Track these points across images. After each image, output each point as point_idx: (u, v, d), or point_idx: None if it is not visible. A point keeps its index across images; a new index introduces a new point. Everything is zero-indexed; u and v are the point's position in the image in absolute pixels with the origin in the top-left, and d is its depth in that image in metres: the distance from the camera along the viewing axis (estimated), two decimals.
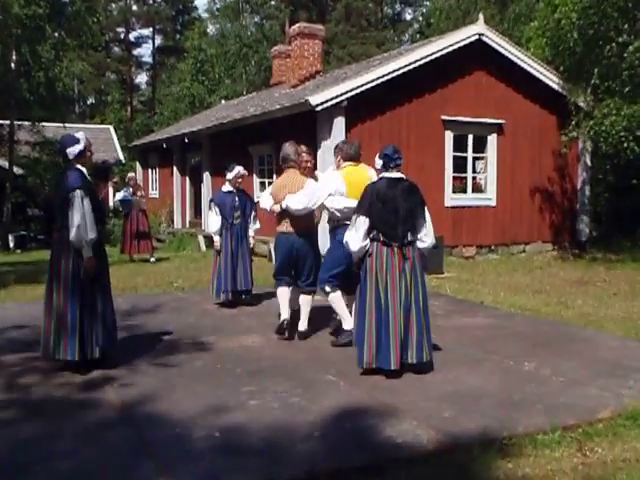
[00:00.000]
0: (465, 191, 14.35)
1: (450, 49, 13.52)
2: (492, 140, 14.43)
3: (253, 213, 8.41)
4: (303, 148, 6.69)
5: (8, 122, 20.15)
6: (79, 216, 5.09)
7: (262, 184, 15.38)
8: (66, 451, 3.71)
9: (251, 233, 8.42)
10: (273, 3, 44.69)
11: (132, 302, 8.50)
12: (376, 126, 13.04)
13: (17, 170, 20.67)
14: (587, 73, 13.34)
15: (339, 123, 12.56)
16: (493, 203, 14.53)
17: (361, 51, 39.68)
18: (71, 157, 5.30)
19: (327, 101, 12.30)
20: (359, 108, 12.65)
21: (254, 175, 15.70)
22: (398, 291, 5.07)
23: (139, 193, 13.90)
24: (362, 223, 5.13)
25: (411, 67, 13.18)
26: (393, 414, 4.27)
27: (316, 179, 6.49)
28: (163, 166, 22.79)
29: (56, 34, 19.98)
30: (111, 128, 32.02)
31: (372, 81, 12.78)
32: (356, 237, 5.15)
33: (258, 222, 8.52)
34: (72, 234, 5.08)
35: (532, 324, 7.26)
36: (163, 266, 13.07)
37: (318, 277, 6.31)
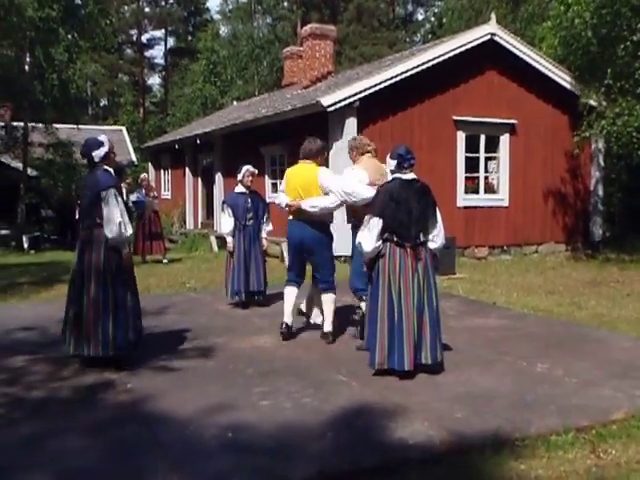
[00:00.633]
0: (477, 191, 14.30)
1: (462, 49, 13.49)
2: (504, 140, 14.38)
3: (266, 215, 8.41)
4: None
5: (22, 124, 20.30)
6: (118, 213, 5.23)
7: (274, 185, 15.40)
8: (78, 449, 3.73)
9: (264, 234, 8.43)
10: (285, 4, 44.76)
11: (144, 303, 8.46)
12: (388, 127, 13.03)
13: (31, 172, 20.81)
14: (600, 72, 13.26)
15: (351, 124, 12.56)
16: (505, 203, 14.48)
17: (373, 52, 39.67)
18: (97, 160, 5.41)
19: (339, 102, 12.31)
20: (371, 109, 12.65)
21: (266, 176, 15.72)
22: (411, 292, 5.07)
23: (151, 194, 13.95)
24: (376, 224, 5.13)
25: (423, 67, 13.17)
26: (405, 415, 4.26)
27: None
28: (175, 167, 22.88)
29: (69, 36, 20.07)
30: (124, 130, 32.17)
31: (384, 82, 12.78)
32: (370, 238, 5.14)
33: (271, 224, 8.52)
34: (113, 231, 5.20)
35: (545, 325, 7.23)
36: (175, 267, 13.12)
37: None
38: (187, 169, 21.38)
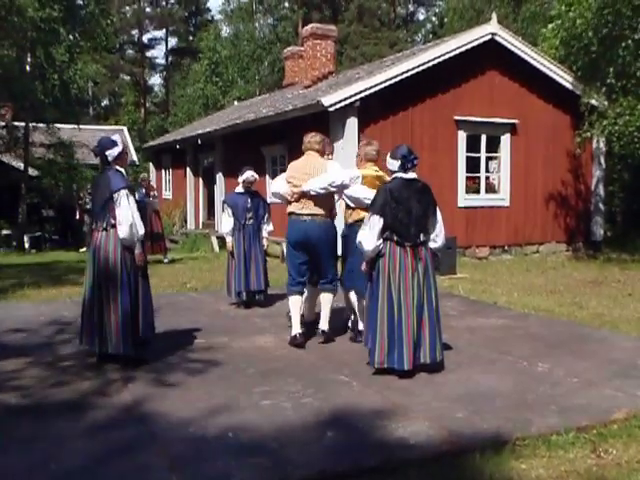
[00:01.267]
0: (478, 191, 14.30)
1: (463, 49, 13.49)
2: (505, 140, 14.37)
3: (266, 215, 8.41)
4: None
5: (23, 124, 20.32)
6: (130, 214, 5.29)
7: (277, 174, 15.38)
8: (79, 450, 3.73)
9: (264, 234, 8.43)
10: (286, 4, 44.77)
11: None
12: (389, 126, 13.03)
13: (32, 171, 20.84)
14: (601, 72, 13.26)
15: (352, 124, 12.56)
16: (506, 203, 14.48)
17: (374, 51, 39.63)
18: (110, 159, 5.45)
19: (340, 102, 12.31)
20: (372, 108, 12.65)
21: (267, 176, 15.72)
22: (411, 291, 5.07)
23: (152, 194, 13.95)
24: (376, 222, 5.12)
25: (424, 67, 13.17)
26: (406, 415, 4.26)
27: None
28: (176, 167, 22.89)
29: (70, 36, 20.13)
30: (125, 130, 32.19)
31: (385, 81, 12.77)
32: (370, 236, 5.14)
33: (271, 224, 8.51)
34: (125, 231, 5.26)
35: (546, 325, 7.22)
36: (176, 267, 13.13)
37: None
38: (188, 169, 21.39)
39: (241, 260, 8.18)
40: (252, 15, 42.08)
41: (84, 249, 19.22)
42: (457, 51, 13.44)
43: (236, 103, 28.41)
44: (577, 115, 14.13)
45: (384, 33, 44.62)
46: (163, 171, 24.60)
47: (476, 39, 13.66)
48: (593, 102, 13.75)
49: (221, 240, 14.97)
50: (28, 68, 19.38)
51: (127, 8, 50.80)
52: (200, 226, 20.74)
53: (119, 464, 3.54)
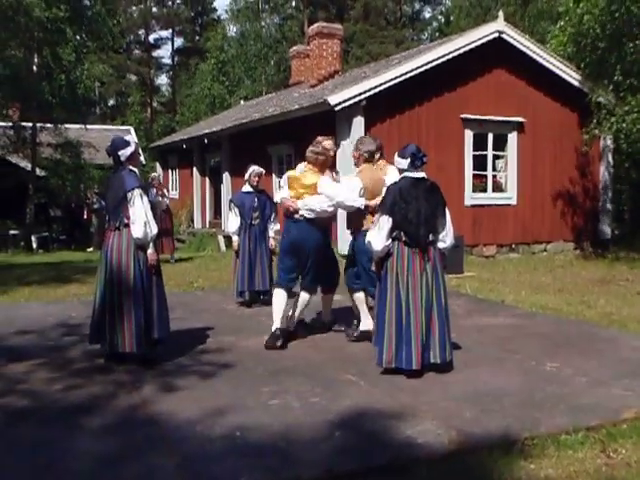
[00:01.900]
0: (485, 190, 14.27)
1: (470, 47, 13.45)
2: (512, 138, 14.33)
3: (273, 214, 8.40)
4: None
5: (30, 124, 20.38)
6: (144, 213, 5.31)
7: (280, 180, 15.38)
8: (87, 449, 3.74)
9: (271, 234, 8.42)
10: (293, 4, 44.78)
11: None
12: (395, 125, 13.01)
13: (40, 171, 20.90)
14: (609, 70, 13.19)
15: (358, 123, 12.54)
16: (514, 202, 14.43)
17: (380, 50, 39.59)
18: (123, 159, 5.47)
19: (346, 101, 12.30)
20: (378, 107, 12.63)
21: (273, 175, 15.73)
22: (419, 291, 5.05)
23: (160, 193, 13.96)
24: (385, 222, 5.10)
25: (430, 66, 13.14)
26: (414, 414, 4.25)
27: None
28: (183, 167, 22.93)
29: (77, 37, 20.19)
30: (132, 129, 32.26)
31: (391, 80, 12.76)
32: (379, 237, 5.12)
33: (279, 223, 8.48)
34: (139, 231, 5.28)
35: (554, 323, 7.19)
36: (183, 266, 13.14)
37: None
38: (195, 169, 21.42)
39: (246, 260, 8.18)
40: (258, 14, 42.11)
41: (91, 249, 19.31)
42: (464, 49, 13.40)
43: (242, 102, 28.43)
44: (585, 113, 14.08)
45: (390, 32, 44.57)
46: (170, 171, 24.65)
47: (483, 37, 13.62)
48: (601, 100, 13.68)
49: (228, 239, 14.97)
50: (35, 68, 19.44)
51: (133, 8, 50.87)
52: (207, 225, 20.77)
53: (127, 466, 3.54)
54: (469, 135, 13.85)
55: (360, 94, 12.39)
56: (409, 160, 5.20)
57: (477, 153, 14.01)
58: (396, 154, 5.34)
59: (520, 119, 14.20)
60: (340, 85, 14.26)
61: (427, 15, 50.66)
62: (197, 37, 52.62)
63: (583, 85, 14.26)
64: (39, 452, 3.73)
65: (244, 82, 39.13)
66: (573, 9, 13.26)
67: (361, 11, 44.77)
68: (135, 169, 5.53)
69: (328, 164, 6.31)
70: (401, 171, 5.33)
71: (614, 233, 16.05)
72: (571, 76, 14.42)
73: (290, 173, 6.47)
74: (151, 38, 52.84)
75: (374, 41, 42.85)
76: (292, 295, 6.46)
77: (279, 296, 6.32)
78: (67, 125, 21.61)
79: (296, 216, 6.13)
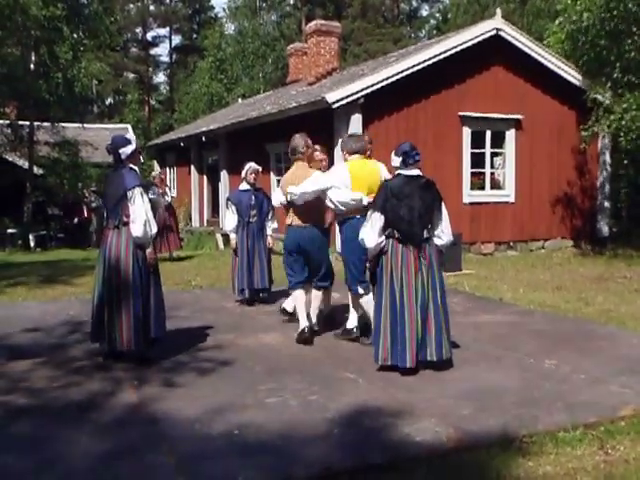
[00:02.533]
0: (483, 187, 14.26)
1: (467, 44, 13.43)
2: (510, 136, 14.32)
3: (271, 212, 8.39)
4: (317, 147, 6.72)
5: (28, 122, 20.34)
6: (144, 212, 5.30)
7: (279, 182, 15.36)
8: (87, 450, 3.73)
9: (269, 232, 8.41)
10: (291, 1, 44.74)
11: None
12: (393, 123, 13.00)
13: (37, 170, 20.86)
14: (608, 67, 13.19)
15: (356, 120, 12.53)
16: (512, 199, 14.43)
17: (378, 48, 39.57)
18: (124, 157, 5.46)
19: (344, 98, 12.28)
20: (376, 105, 12.62)
21: (271, 173, 15.72)
22: (414, 288, 5.05)
23: (160, 191, 13.94)
24: (377, 219, 5.12)
25: (428, 63, 13.12)
26: (412, 412, 4.25)
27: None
28: (181, 165, 22.91)
29: (74, 35, 20.13)
30: (129, 128, 32.21)
31: (389, 78, 12.74)
32: (371, 233, 5.14)
33: (276, 221, 8.49)
34: (139, 229, 5.27)
35: (552, 321, 7.20)
36: (181, 264, 13.14)
37: (346, 281, 6.17)
38: (192, 167, 21.41)
39: (244, 258, 8.18)
40: (256, 12, 42.08)
41: (89, 247, 19.31)
42: (461, 47, 13.38)
43: (240, 100, 28.40)
44: (583, 111, 14.07)
45: (388, 29, 44.55)
46: (168, 169, 24.62)
47: (480, 34, 13.60)
48: (599, 97, 13.68)
49: (226, 237, 14.98)
50: (32, 67, 19.40)
51: (131, 6, 50.84)
52: (205, 223, 20.76)
53: (126, 464, 3.54)
54: (467, 132, 13.84)
55: (358, 92, 12.37)
56: (401, 159, 5.22)
57: (475, 150, 14.00)
58: (392, 152, 5.35)
59: (518, 116, 14.19)
60: (338, 83, 14.25)
61: (425, 13, 50.70)
62: (195, 35, 52.56)
63: (581, 83, 14.25)
64: (40, 450, 3.74)
65: (242, 80, 39.10)
66: (571, 6, 13.24)
67: (359, 9, 44.75)
68: (135, 167, 5.52)
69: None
70: (395, 169, 5.34)
71: (612, 231, 16.04)
72: (569, 74, 14.41)
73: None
74: (149, 36, 52.87)
75: (372, 39, 42.83)
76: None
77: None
78: (64, 124, 21.57)
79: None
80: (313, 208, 6.25)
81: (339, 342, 6.23)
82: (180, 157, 22.62)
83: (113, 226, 5.39)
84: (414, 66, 12.99)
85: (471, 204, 13.89)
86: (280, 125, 14.75)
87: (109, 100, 52.57)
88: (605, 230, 15.54)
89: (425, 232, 5.17)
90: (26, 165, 20.39)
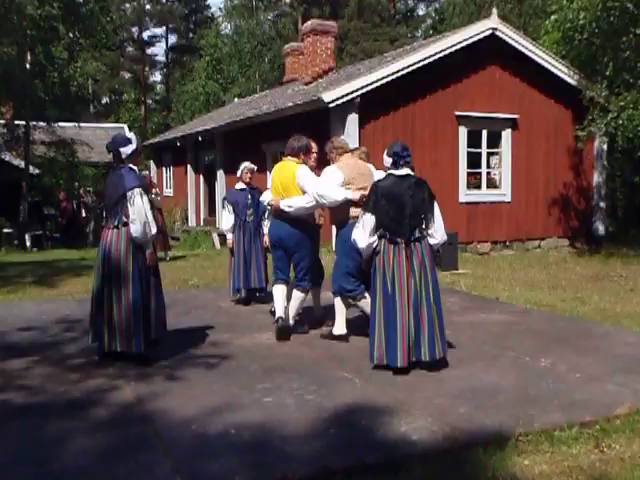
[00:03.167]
0: (479, 187, 14.29)
1: (464, 44, 13.46)
2: (506, 135, 14.35)
3: (267, 211, 8.37)
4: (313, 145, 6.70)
5: (24, 122, 20.30)
6: (143, 212, 5.28)
7: None
8: (83, 449, 3.73)
9: (265, 231, 8.39)
10: (287, 1, 44.69)
11: None
12: (389, 122, 13.02)
13: (33, 169, 20.83)
14: (603, 66, 13.21)
15: (352, 120, 12.54)
16: (508, 199, 14.46)
17: (374, 47, 39.53)
18: (124, 157, 5.43)
19: (340, 98, 12.30)
20: (372, 105, 12.63)
21: (268, 172, 15.70)
22: (406, 288, 5.05)
23: (154, 191, 13.92)
24: (368, 220, 5.15)
25: (424, 63, 13.15)
26: (408, 411, 4.26)
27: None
28: (177, 164, 22.89)
29: (70, 34, 20.10)
30: (125, 127, 32.18)
31: (385, 77, 12.76)
32: (363, 235, 5.18)
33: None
34: (138, 230, 5.25)
35: (548, 320, 7.21)
36: (178, 264, 13.12)
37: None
38: (189, 166, 21.39)
39: (241, 257, 8.18)
40: (252, 12, 42.05)
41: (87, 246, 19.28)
42: (458, 46, 13.41)
43: (236, 100, 28.38)
44: (579, 110, 14.10)
45: (384, 29, 44.50)
46: (164, 168, 24.60)
47: (477, 34, 13.63)
48: (595, 97, 13.70)
49: (222, 237, 14.96)
50: (28, 66, 19.34)
51: (127, 5, 50.70)
52: (201, 223, 20.75)
53: (122, 463, 3.54)
54: (463, 132, 13.86)
55: (354, 91, 12.38)
56: (392, 159, 5.24)
57: (471, 150, 14.02)
58: (385, 152, 5.36)
59: (514, 116, 14.22)
60: (334, 82, 14.25)
61: (421, 12, 50.65)
62: (191, 34, 52.51)
63: (577, 82, 14.27)
64: (36, 448, 3.73)
65: (238, 79, 39.09)
66: (567, 5, 13.26)
67: (355, 8, 44.66)
68: (135, 167, 5.50)
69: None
70: (386, 169, 5.35)
71: (608, 230, 16.09)
72: (565, 73, 14.45)
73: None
74: (145, 35, 52.79)
75: (368, 38, 42.77)
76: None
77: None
78: (60, 123, 21.53)
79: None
80: None
81: (335, 342, 6.23)
82: (176, 157, 22.60)
83: (113, 226, 5.36)
84: (410, 66, 13.01)
85: (467, 203, 13.91)
86: (276, 125, 14.76)
87: (105, 99, 52.48)
88: (601, 229, 15.58)
89: (417, 232, 5.16)
90: (22, 165, 20.34)
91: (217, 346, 6.08)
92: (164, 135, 26.32)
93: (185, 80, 45.42)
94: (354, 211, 5.82)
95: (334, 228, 6.44)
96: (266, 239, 8.36)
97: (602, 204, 15.58)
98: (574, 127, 14.30)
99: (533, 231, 14.75)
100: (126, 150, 5.41)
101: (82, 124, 24.07)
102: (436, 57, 13.24)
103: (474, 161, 14.13)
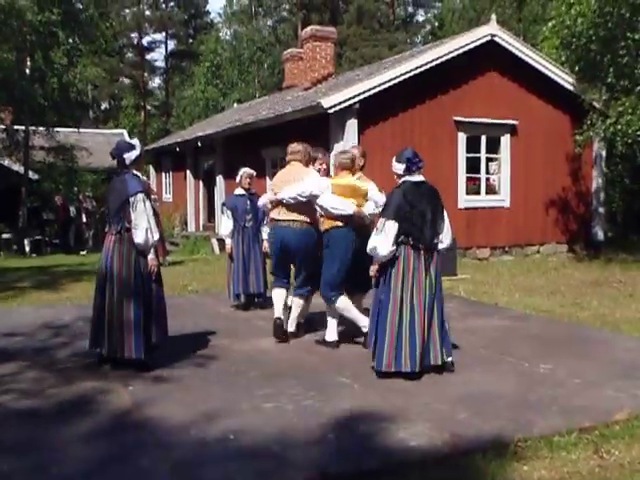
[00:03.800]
0: (479, 192, 14.30)
1: (462, 50, 13.49)
2: (505, 141, 14.37)
3: (266, 217, 8.38)
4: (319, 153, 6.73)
5: (23, 127, 20.31)
6: (146, 219, 5.29)
7: None
8: (79, 455, 3.72)
9: (264, 236, 8.40)
10: (286, 7, 44.80)
11: None
12: (389, 128, 13.03)
13: (32, 175, 20.82)
14: (602, 72, 13.24)
15: (352, 125, 12.56)
16: (507, 204, 14.47)
17: (373, 53, 39.62)
18: (128, 162, 5.44)
19: (339, 104, 12.31)
20: (371, 110, 12.64)
21: (267, 178, 15.71)
22: (423, 293, 5.08)
23: (152, 197, 13.92)
24: (392, 227, 5.07)
25: (423, 69, 13.17)
26: (407, 417, 4.25)
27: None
28: (176, 170, 22.89)
29: (70, 40, 20.11)
30: (125, 132, 32.19)
31: (384, 83, 12.78)
32: (386, 242, 5.06)
33: None
34: (140, 236, 5.25)
35: (547, 325, 7.21)
36: (177, 269, 13.11)
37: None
38: (188, 171, 21.39)
39: (240, 262, 8.18)
40: (252, 17, 42.17)
41: (84, 252, 19.27)
42: (456, 52, 13.44)
43: (236, 105, 28.42)
44: (577, 115, 14.13)
45: (383, 35, 44.61)
46: (163, 174, 24.61)
47: (475, 40, 13.66)
48: (594, 102, 13.72)
49: (221, 242, 14.93)
50: (27, 71, 19.36)
51: (127, 11, 50.73)
52: (200, 228, 20.74)
53: (119, 469, 3.53)
54: (462, 138, 13.88)
55: (353, 97, 12.40)
56: (404, 166, 5.21)
57: (470, 155, 14.04)
58: (394, 159, 5.33)
59: (513, 122, 14.24)
60: (333, 88, 14.27)
61: (420, 18, 50.80)
62: (190, 40, 52.56)
63: (576, 88, 14.30)
64: (32, 454, 3.72)
65: (238, 85, 39.15)
66: (565, 11, 13.30)
67: (354, 14, 44.78)
68: (139, 173, 5.52)
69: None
70: (398, 176, 5.31)
71: (607, 235, 16.10)
72: (564, 79, 14.48)
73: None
74: (144, 41, 52.73)
75: (367, 44, 42.87)
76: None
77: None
78: (60, 128, 21.54)
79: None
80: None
81: (334, 347, 6.22)
82: (176, 162, 22.60)
83: (115, 232, 5.35)
84: (410, 71, 13.03)
85: (466, 209, 13.91)
86: (276, 130, 14.77)
87: (105, 105, 52.51)
88: (600, 235, 15.59)
89: (435, 238, 5.19)
90: (21, 170, 20.34)
91: (216, 352, 6.07)
92: (163, 140, 26.33)
93: (185, 85, 45.47)
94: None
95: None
96: (265, 244, 8.39)
97: (601, 209, 15.59)
98: (573, 133, 14.33)
99: (532, 236, 14.76)
100: (130, 156, 5.43)
101: (81, 129, 24.07)
102: (435, 63, 13.27)
103: (473, 166, 14.15)
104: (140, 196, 5.29)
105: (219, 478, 3.41)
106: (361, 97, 12.48)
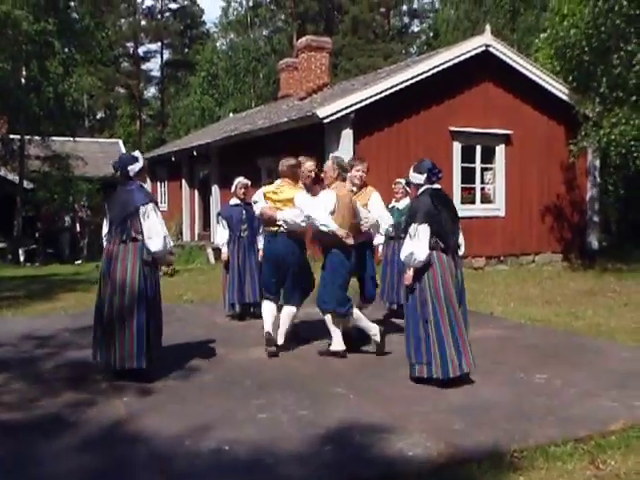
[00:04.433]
0: (473, 202, 14.33)
1: (457, 60, 13.55)
2: (500, 151, 14.42)
3: (262, 226, 8.38)
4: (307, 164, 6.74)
5: (19, 137, 20.31)
6: (161, 227, 5.35)
7: (265, 195, 15.37)
8: (75, 466, 3.70)
9: (260, 246, 8.41)
10: (282, 17, 44.98)
11: None
12: (384, 138, 13.07)
13: (27, 184, 20.81)
14: (595, 82, 13.31)
15: (347, 135, 12.59)
16: (502, 213, 14.50)
17: (368, 63, 39.79)
18: (132, 174, 5.49)
19: (334, 113, 12.34)
20: (367, 120, 12.68)
21: (262, 187, 15.71)
22: (456, 298, 5.15)
23: None
24: (425, 231, 5.10)
25: (418, 79, 13.22)
26: (403, 427, 4.24)
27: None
28: (172, 179, 22.89)
29: (65, 50, 20.17)
30: (120, 142, 32.20)
31: (379, 93, 12.82)
32: (422, 246, 5.06)
33: None
34: (158, 244, 5.30)
35: (542, 335, 7.21)
36: (172, 279, 13.06)
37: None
38: (184, 181, 21.40)
39: (235, 272, 8.17)
40: (247, 27, 42.30)
41: (79, 261, 19.24)
42: (451, 62, 13.50)
43: (231, 115, 28.46)
44: (572, 125, 14.19)
45: (379, 45, 44.85)
46: (159, 183, 24.60)
47: (470, 51, 13.73)
48: (588, 112, 13.79)
49: (217, 252, 14.93)
50: (23, 81, 19.40)
51: (122, 21, 50.95)
52: (196, 238, 20.72)
53: None
54: (457, 147, 13.92)
55: (349, 107, 12.44)
56: (425, 175, 5.32)
57: (465, 165, 14.08)
58: (411, 169, 5.45)
59: (507, 132, 14.30)
60: (329, 98, 14.31)
61: (415, 29, 51.09)
62: (186, 50, 52.72)
63: (570, 98, 14.37)
64: (25, 467, 3.69)
65: (233, 95, 39.22)
66: (559, 22, 13.38)
67: (350, 24, 45.02)
68: (144, 184, 5.58)
69: (304, 178, 6.62)
70: (417, 186, 5.41)
71: (601, 245, 16.14)
72: (558, 89, 14.55)
73: (265, 188, 6.74)
74: (140, 51, 52.96)
75: (363, 54, 43.08)
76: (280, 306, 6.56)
77: (266, 307, 6.58)
78: (55, 138, 21.55)
79: (274, 228, 6.36)
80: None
81: (330, 357, 6.21)
82: (171, 171, 22.61)
83: (120, 241, 5.34)
84: (405, 81, 13.08)
85: (462, 218, 13.87)
86: (271, 140, 14.80)
87: (100, 114, 52.54)
88: (595, 244, 15.63)
89: (457, 242, 5.33)
90: (17, 179, 20.33)
91: (212, 361, 6.05)
92: (159, 150, 26.34)
93: (180, 95, 45.54)
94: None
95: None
96: (260, 254, 8.39)
97: (596, 219, 15.64)
98: (567, 142, 14.38)
99: (527, 246, 14.78)
100: (134, 168, 5.48)
101: (77, 139, 24.08)
102: (430, 73, 13.32)
103: (468, 176, 14.19)
104: (151, 205, 5.36)
105: None
106: (356, 107, 12.52)
